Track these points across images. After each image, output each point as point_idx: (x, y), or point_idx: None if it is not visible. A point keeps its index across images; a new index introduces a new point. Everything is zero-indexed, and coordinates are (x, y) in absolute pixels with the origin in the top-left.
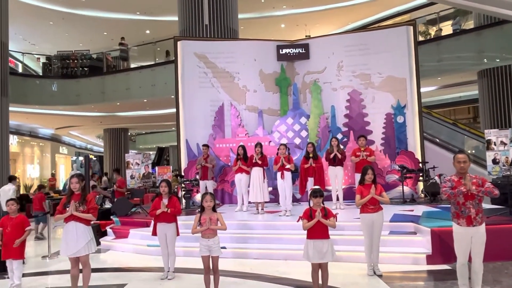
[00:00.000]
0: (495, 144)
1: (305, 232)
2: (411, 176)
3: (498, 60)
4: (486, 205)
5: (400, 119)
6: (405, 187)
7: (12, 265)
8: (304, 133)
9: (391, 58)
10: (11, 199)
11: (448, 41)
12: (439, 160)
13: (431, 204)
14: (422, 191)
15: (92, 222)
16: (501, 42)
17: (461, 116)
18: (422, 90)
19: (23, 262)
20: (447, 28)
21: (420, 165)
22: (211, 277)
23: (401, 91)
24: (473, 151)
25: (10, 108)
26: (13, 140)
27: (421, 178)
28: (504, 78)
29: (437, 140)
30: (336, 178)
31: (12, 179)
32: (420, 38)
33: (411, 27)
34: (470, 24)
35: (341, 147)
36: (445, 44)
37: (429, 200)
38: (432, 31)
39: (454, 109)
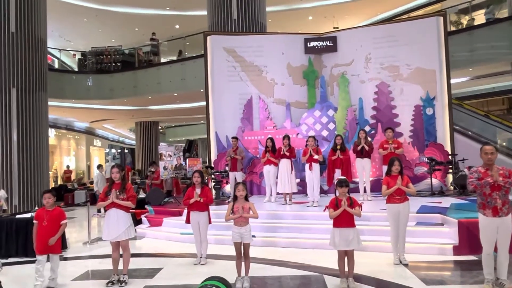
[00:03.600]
0: None
1: (332, 221)
2: (439, 168)
3: None
4: None
5: (429, 111)
6: (434, 180)
7: (50, 259)
8: (331, 126)
9: (420, 50)
10: (48, 191)
11: (481, 30)
12: (470, 153)
13: (460, 197)
14: (451, 183)
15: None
16: None
17: (495, 108)
18: (454, 81)
19: (67, 247)
20: (480, 17)
21: (450, 157)
22: (242, 263)
23: (430, 83)
24: (505, 143)
25: (48, 103)
26: (51, 133)
27: (450, 170)
28: None
29: (469, 133)
30: (364, 170)
31: (99, 167)
32: (452, 28)
33: (441, 18)
34: (504, 13)
35: (369, 139)
36: (478, 34)
37: (458, 193)
38: (465, 20)
39: (487, 100)
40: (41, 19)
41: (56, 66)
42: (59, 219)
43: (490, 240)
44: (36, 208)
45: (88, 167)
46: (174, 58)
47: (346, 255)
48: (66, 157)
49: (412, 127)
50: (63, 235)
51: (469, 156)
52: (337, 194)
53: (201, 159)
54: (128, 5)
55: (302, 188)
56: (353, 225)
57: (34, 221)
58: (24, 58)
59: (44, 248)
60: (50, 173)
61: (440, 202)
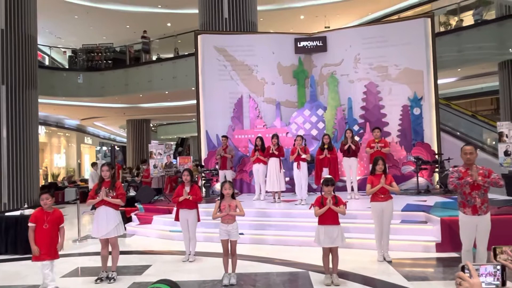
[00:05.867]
0: (507, 136)
1: (317, 219)
2: (426, 167)
3: None
4: (500, 196)
5: (416, 111)
6: (420, 178)
7: (48, 266)
8: (321, 125)
9: (408, 50)
10: (46, 192)
11: (469, 31)
12: (457, 152)
13: (445, 195)
14: (437, 182)
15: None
16: None
17: (483, 108)
18: (442, 81)
19: None
20: (468, 18)
21: (436, 156)
22: (229, 260)
23: (418, 83)
24: (493, 143)
25: (39, 100)
26: (41, 130)
27: (436, 169)
28: None
29: (457, 133)
30: (350, 169)
31: (93, 165)
32: (441, 29)
33: (429, 19)
34: (492, 14)
35: (357, 138)
36: (466, 35)
37: (443, 191)
38: (453, 21)
39: (475, 100)
40: (31, 16)
41: (47, 63)
42: (60, 221)
43: (469, 237)
44: (26, 205)
45: (79, 165)
46: (166, 56)
47: (330, 252)
48: (56, 155)
49: (400, 126)
50: None
51: (456, 156)
52: (323, 192)
53: (192, 157)
54: (120, 2)
55: (291, 186)
56: (337, 223)
57: (31, 224)
58: (13, 55)
59: (48, 252)
60: (40, 170)
61: (425, 201)
